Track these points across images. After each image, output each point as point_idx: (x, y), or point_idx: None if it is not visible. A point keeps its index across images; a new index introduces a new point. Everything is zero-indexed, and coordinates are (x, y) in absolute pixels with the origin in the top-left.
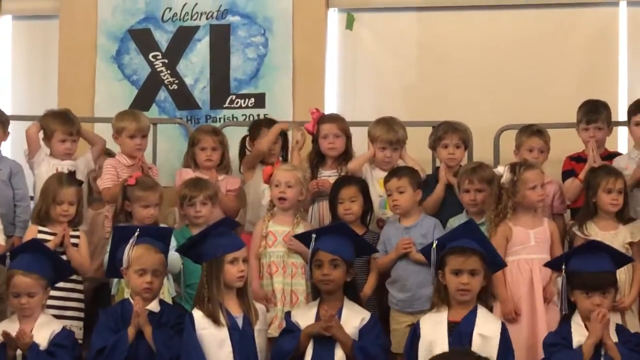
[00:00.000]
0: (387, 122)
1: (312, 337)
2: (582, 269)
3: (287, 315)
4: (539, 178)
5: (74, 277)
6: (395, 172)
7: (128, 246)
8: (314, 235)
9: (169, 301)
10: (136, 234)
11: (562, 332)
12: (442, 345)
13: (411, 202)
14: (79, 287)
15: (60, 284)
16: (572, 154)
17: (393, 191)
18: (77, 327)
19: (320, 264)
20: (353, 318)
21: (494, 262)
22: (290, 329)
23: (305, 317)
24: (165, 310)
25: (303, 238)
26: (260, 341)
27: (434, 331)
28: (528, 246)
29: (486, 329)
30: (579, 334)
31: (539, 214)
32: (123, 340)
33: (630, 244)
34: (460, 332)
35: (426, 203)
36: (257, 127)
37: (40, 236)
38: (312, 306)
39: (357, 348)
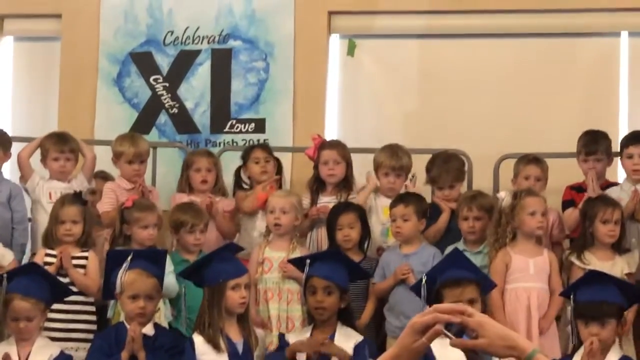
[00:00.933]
0: (392, 149)
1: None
2: (582, 299)
3: (282, 337)
4: (540, 205)
5: (82, 298)
6: (402, 199)
7: (121, 271)
8: (308, 261)
9: (165, 324)
10: (129, 258)
11: None
12: None
13: (414, 230)
14: (90, 308)
15: (69, 307)
16: (572, 184)
17: (397, 217)
18: (86, 349)
19: (314, 290)
20: (346, 342)
21: (485, 285)
22: (281, 346)
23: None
24: (159, 334)
25: (297, 263)
26: None
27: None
28: (527, 274)
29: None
30: None
31: (539, 243)
32: None
33: (628, 274)
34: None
35: (428, 232)
36: (249, 151)
37: (47, 259)
38: (306, 331)
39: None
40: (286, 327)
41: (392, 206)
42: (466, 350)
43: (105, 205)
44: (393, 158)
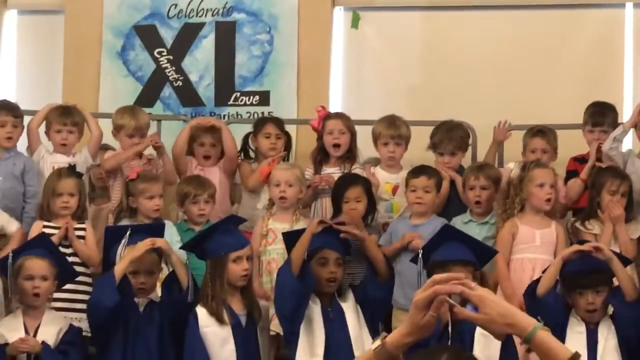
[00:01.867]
0: (389, 118)
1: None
2: (575, 270)
3: None
4: (548, 177)
5: (82, 269)
6: (424, 171)
7: (120, 247)
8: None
9: None
10: (128, 233)
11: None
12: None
13: (432, 203)
14: (88, 279)
15: None
16: (576, 155)
17: (419, 188)
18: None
19: (326, 262)
20: (349, 303)
21: (483, 253)
22: None
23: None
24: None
25: (296, 235)
26: (262, 339)
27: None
28: (533, 245)
29: None
30: (577, 325)
31: (548, 215)
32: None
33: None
34: (461, 332)
35: None
36: (261, 124)
37: (46, 231)
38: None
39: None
40: None
41: (413, 177)
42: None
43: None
44: (391, 127)
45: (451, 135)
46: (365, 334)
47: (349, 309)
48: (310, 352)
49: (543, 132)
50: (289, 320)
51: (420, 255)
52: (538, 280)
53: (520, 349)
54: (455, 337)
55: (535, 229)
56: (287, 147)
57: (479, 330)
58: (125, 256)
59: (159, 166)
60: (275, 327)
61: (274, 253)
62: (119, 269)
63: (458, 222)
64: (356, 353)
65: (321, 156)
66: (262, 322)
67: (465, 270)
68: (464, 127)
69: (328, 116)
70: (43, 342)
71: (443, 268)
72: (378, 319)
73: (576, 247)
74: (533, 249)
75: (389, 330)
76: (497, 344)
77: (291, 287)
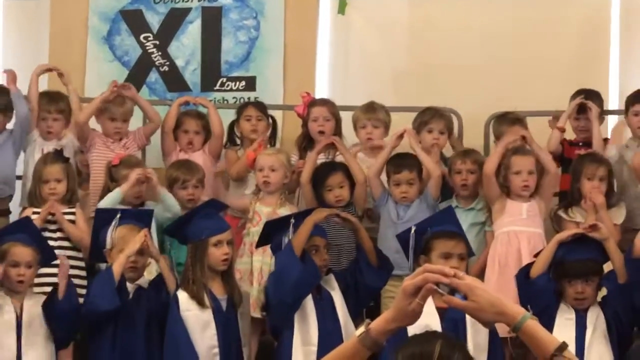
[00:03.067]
0: (368, 104)
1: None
2: (568, 258)
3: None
4: (525, 164)
5: (72, 253)
6: (404, 164)
7: (111, 228)
8: (292, 220)
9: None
10: (118, 216)
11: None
12: None
13: (418, 193)
14: (81, 264)
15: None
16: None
17: (403, 183)
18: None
19: (317, 249)
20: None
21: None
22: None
23: None
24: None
25: (280, 222)
26: (243, 324)
27: (424, 319)
28: (520, 219)
29: None
30: (567, 312)
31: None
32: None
33: (615, 225)
34: (453, 320)
35: None
36: (243, 108)
37: (35, 217)
38: None
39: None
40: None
41: (395, 172)
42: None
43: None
44: (368, 111)
45: (441, 114)
46: (349, 321)
47: (337, 295)
48: (304, 341)
49: (520, 120)
50: (289, 308)
51: (412, 232)
52: (531, 264)
53: None
54: (448, 325)
55: (521, 202)
56: (273, 131)
57: (469, 318)
58: (123, 254)
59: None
60: (254, 311)
61: (257, 235)
62: (117, 269)
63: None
64: (345, 340)
65: (306, 142)
66: (242, 307)
67: (458, 247)
68: (450, 114)
69: (313, 103)
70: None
71: (447, 238)
72: (362, 306)
73: (572, 230)
74: (520, 222)
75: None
76: (485, 331)
77: (298, 275)
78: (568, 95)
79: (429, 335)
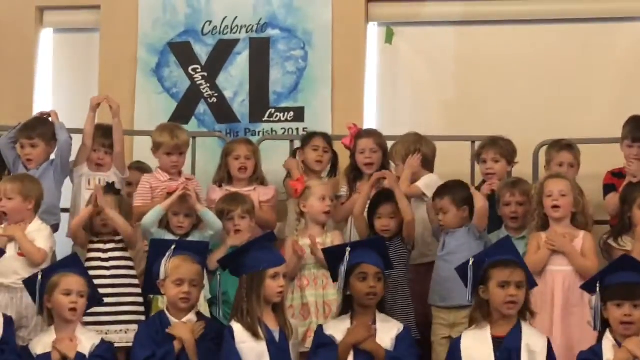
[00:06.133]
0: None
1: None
2: (615, 281)
3: (320, 329)
4: (557, 186)
5: (128, 282)
6: (437, 192)
7: (165, 258)
8: (348, 249)
9: (207, 314)
10: (173, 247)
11: (595, 350)
12: None
13: (456, 220)
14: (136, 290)
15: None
16: (613, 169)
17: (437, 211)
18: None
19: (366, 276)
20: (389, 329)
21: (529, 278)
22: (324, 342)
23: (339, 330)
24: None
25: (336, 251)
26: (294, 355)
27: (478, 348)
28: (555, 257)
29: (533, 344)
30: (610, 352)
31: (578, 227)
32: (170, 355)
33: None
34: (507, 348)
35: None
36: (310, 137)
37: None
38: (345, 319)
39: (390, 358)
40: (323, 312)
41: (432, 199)
42: None
43: (138, 200)
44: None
45: (494, 142)
46: None
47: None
48: None
49: (570, 146)
50: None
51: (470, 263)
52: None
53: None
54: (503, 354)
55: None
56: (334, 164)
57: (524, 346)
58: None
59: (195, 183)
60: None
61: (305, 269)
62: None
63: (494, 239)
64: None
65: (354, 173)
66: (293, 339)
67: (515, 274)
68: (510, 141)
69: (359, 134)
70: (78, 353)
71: (503, 267)
72: None
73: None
74: (559, 261)
75: (428, 328)
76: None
77: None
78: (617, 122)
79: None
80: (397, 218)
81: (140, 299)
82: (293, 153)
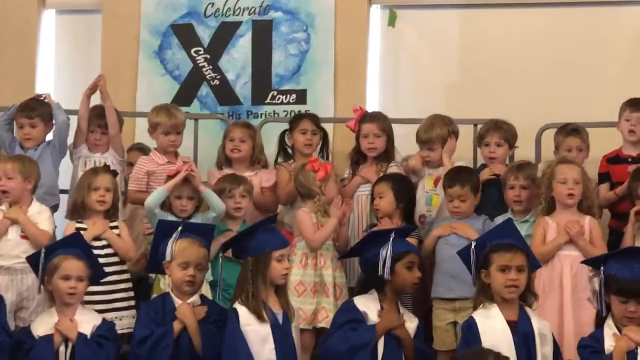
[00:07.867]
0: (427, 121)
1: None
2: (621, 275)
3: (352, 304)
4: (571, 173)
5: (119, 268)
6: (458, 179)
7: (172, 239)
8: (392, 235)
9: (209, 296)
10: (179, 228)
11: (596, 336)
12: (508, 346)
13: (471, 208)
14: (126, 276)
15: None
16: (608, 154)
17: (455, 198)
18: (129, 316)
19: (411, 266)
20: (410, 320)
21: (532, 260)
22: (357, 318)
23: (370, 309)
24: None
25: (380, 234)
26: (296, 338)
27: (494, 330)
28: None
29: (542, 328)
30: (611, 339)
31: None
32: (168, 335)
33: None
34: (523, 332)
35: None
36: (297, 120)
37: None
38: (372, 299)
39: (418, 348)
40: (334, 293)
41: (448, 185)
42: None
43: (132, 183)
44: (428, 131)
45: (498, 126)
46: None
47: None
48: None
49: (578, 131)
50: None
51: (472, 247)
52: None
53: None
54: (520, 338)
55: None
56: (324, 144)
57: (536, 330)
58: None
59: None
60: (326, 323)
61: (322, 249)
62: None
63: (499, 221)
64: None
65: (358, 156)
66: (295, 321)
67: (516, 259)
68: (512, 124)
69: (363, 118)
70: (79, 333)
71: (504, 251)
72: None
73: None
74: (567, 245)
75: (428, 319)
76: (549, 341)
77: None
78: (619, 105)
79: (481, 351)
80: (387, 197)
81: (130, 285)
82: (280, 137)
